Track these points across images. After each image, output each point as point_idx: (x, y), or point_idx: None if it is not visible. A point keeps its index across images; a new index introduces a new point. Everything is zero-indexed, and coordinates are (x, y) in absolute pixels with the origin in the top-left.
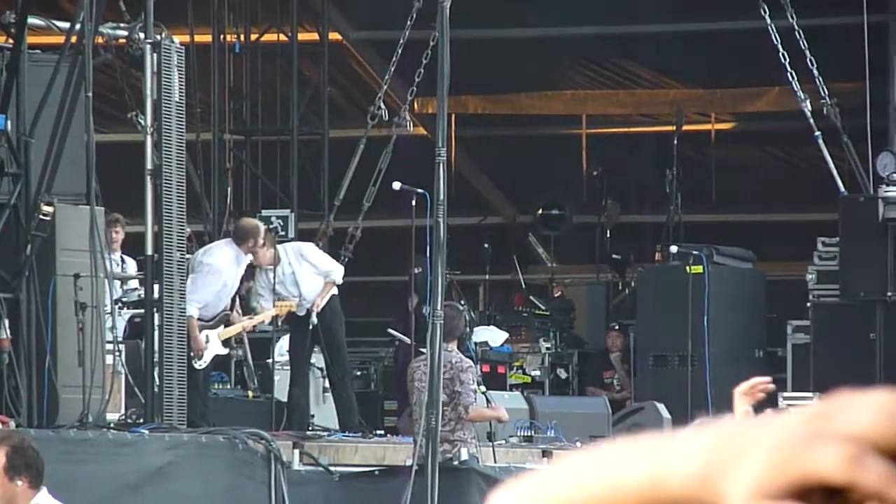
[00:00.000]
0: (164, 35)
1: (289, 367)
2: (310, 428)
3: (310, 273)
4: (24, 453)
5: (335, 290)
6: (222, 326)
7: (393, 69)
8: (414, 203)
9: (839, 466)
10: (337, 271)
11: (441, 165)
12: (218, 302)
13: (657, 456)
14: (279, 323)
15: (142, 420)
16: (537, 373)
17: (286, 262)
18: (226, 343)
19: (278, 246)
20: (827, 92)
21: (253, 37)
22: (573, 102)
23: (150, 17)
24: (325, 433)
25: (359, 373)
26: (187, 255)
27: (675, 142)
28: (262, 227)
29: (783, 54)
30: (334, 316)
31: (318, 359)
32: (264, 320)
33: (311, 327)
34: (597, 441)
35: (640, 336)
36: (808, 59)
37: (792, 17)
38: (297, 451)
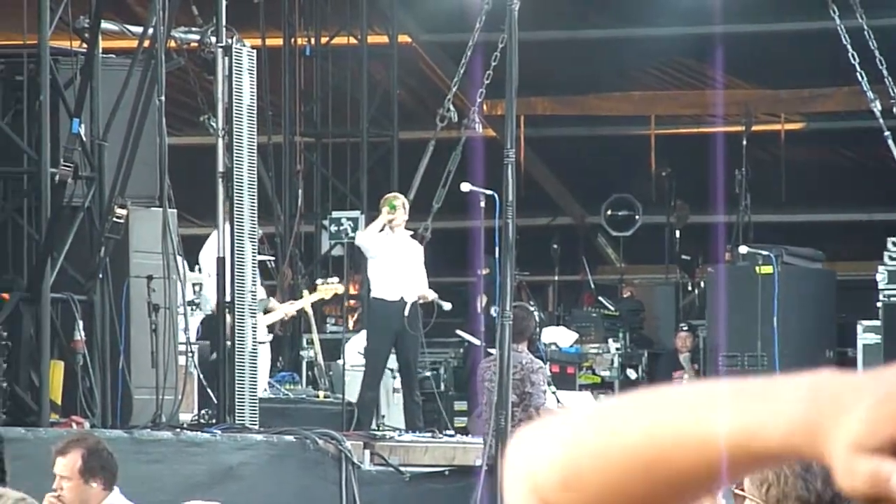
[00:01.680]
0: (235, 39)
1: (362, 368)
2: (380, 428)
3: (419, 266)
4: (99, 455)
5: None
6: (262, 313)
7: (462, 71)
8: (483, 204)
9: None
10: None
11: (510, 167)
12: None
13: (748, 407)
14: (351, 324)
15: (214, 420)
16: (607, 373)
17: (408, 244)
18: (270, 329)
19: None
20: None
21: (323, 40)
22: (642, 103)
23: (222, 21)
24: (396, 433)
25: (429, 373)
26: (259, 256)
27: (745, 142)
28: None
29: (853, 54)
30: (418, 320)
31: (389, 360)
32: (305, 306)
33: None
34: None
35: (709, 336)
36: (877, 59)
37: (861, 18)
38: (367, 452)
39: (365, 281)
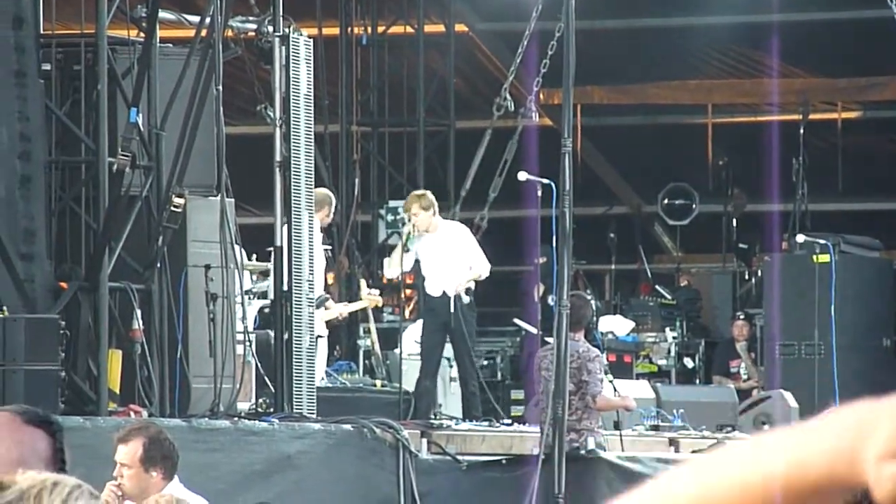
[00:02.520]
0: (292, 28)
1: (418, 357)
2: (437, 417)
3: (459, 256)
4: (160, 445)
5: (472, 285)
6: (323, 309)
7: (519, 60)
8: (540, 193)
9: None
10: (485, 266)
11: (567, 156)
12: None
13: (796, 447)
14: (407, 314)
15: (272, 409)
16: (663, 362)
17: (444, 237)
18: (327, 325)
19: (440, 220)
20: None
21: (380, 29)
22: (699, 92)
23: (279, 10)
24: (453, 422)
25: (486, 362)
26: (321, 246)
27: (802, 131)
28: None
29: None
30: (470, 310)
31: (444, 349)
32: (358, 309)
33: (452, 310)
34: (724, 430)
35: (766, 325)
36: None
37: None
38: (424, 440)
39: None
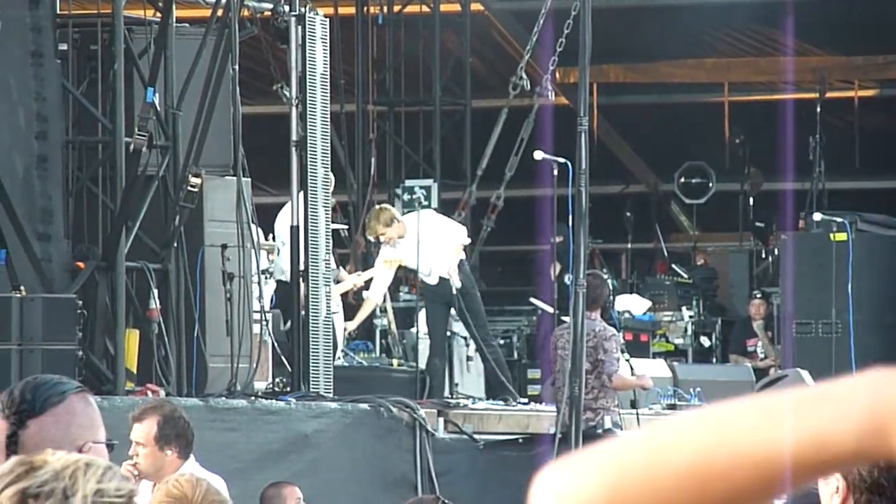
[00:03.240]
0: (308, 7)
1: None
2: (454, 396)
3: (440, 240)
4: (175, 423)
5: (462, 254)
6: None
7: (535, 39)
8: (556, 172)
9: None
10: (461, 233)
11: (583, 134)
12: None
13: (811, 416)
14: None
15: (289, 389)
16: (680, 341)
17: (419, 232)
18: (343, 298)
19: (403, 217)
20: None
21: (396, 8)
22: (715, 70)
23: None
24: (470, 401)
25: (502, 341)
26: (332, 225)
27: (818, 109)
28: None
29: None
30: (466, 278)
31: (460, 327)
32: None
33: (454, 292)
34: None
35: (783, 304)
36: None
37: None
38: (441, 419)
39: None
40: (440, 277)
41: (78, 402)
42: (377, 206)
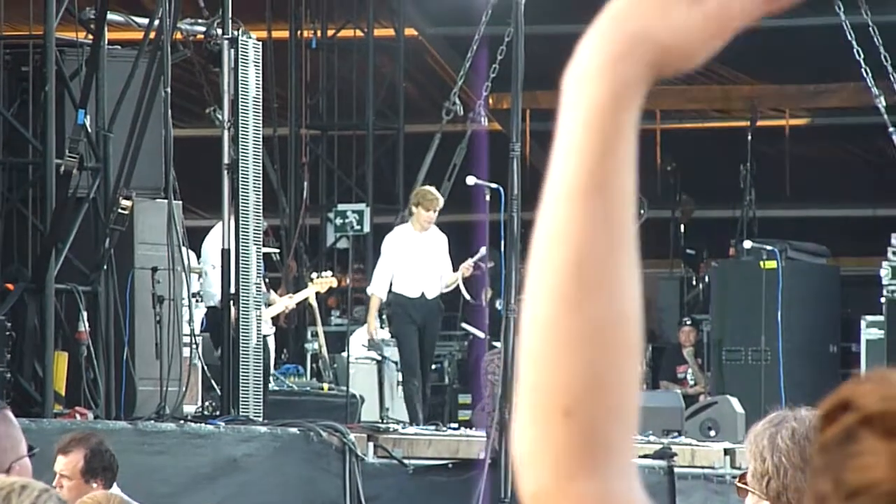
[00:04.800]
0: (241, 31)
1: (366, 360)
2: (384, 421)
3: (439, 261)
4: (102, 456)
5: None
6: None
7: (468, 65)
8: (488, 198)
9: None
10: (453, 275)
11: (515, 160)
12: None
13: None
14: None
15: (218, 412)
16: None
17: (432, 240)
18: (273, 322)
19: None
20: None
21: (329, 32)
22: (647, 97)
23: (228, 13)
24: (400, 425)
25: (434, 366)
26: (264, 249)
27: (750, 137)
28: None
29: (857, 50)
30: (439, 316)
31: (392, 352)
32: (307, 297)
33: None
34: (670, 435)
35: (713, 331)
36: (882, 56)
37: (867, 14)
38: (371, 444)
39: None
40: (422, 293)
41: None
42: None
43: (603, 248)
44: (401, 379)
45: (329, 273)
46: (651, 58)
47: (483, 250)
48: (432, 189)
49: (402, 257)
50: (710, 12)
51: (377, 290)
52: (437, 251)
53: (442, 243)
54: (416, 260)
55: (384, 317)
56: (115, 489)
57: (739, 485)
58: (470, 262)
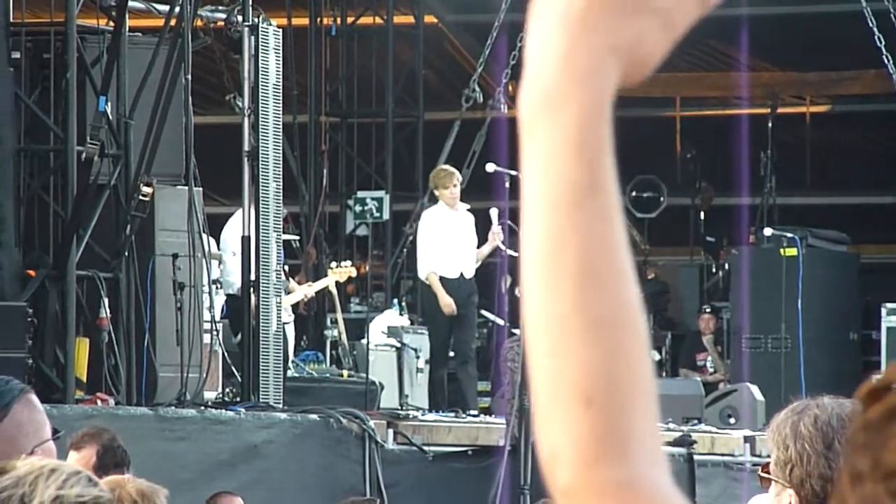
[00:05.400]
0: (261, 18)
1: (385, 347)
2: (403, 407)
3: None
4: (114, 452)
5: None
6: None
7: (488, 52)
8: (508, 185)
9: None
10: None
11: None
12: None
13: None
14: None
15: (238, 399)
16: None
17: (463, 218)
18: (293, 309)
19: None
20: None
21: (349, 20)
22: (667, 85)
23: (249, 0)
24: (419, 412)
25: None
26: (283, 236)
27: (770, 124)
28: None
29: (879, 37)
30: (475, 296)
31: (411, 339)
32: (327, 286)
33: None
34: (690, 422)
35: (733, 319)
36: None
37: (888, 1)
38: (391, 431)
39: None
40: (461, 274)
41: (22, 412)
42: (451, 169)
43: (606, 245)
44: (421, 367)
45: (348, 262)
46: (621, 69)
47: (495, 210)
48: (443, 166)
49: (440, 237)
50: (666, 17)
51: (432, 268)
52: (468, 229)
53: (470, 221)
54: (453, 239)
55: (404, 303)
56: None
57: (762, 474)
58: (496, 225)
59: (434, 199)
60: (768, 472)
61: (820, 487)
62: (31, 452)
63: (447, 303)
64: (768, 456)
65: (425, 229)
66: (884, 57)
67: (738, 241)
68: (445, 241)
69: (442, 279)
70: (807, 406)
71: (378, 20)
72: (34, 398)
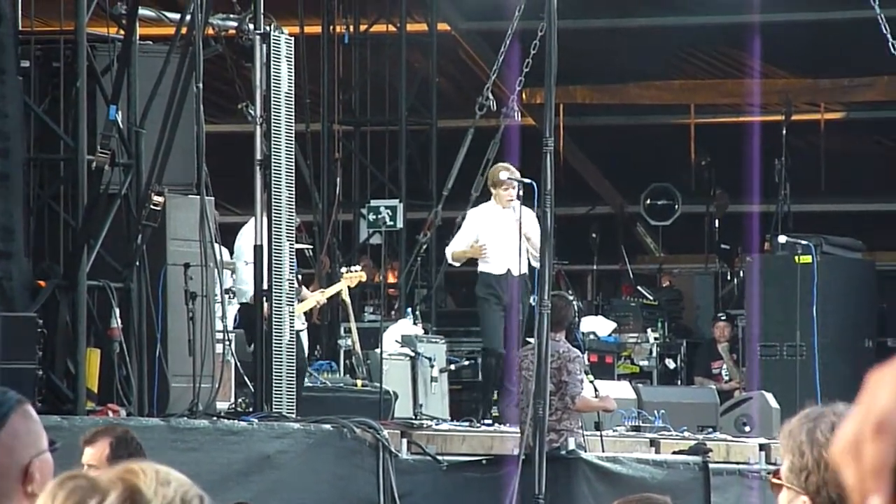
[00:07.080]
0: (273, 26)
1: (399, 357)
2: (417, 417)
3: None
4: (127, 444)
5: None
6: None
7: (501, 59)
8: (521, 193)
9: None
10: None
11: (549, 155)
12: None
13: None
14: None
15: (251, 409)
16: (645, 363)
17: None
18: (307, 318)
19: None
20: None
21: (362, 27)
22: (682, 92)
23: (260, 8)
24: (433, 422)
25: (467, 362)
26: (296, 245)
27: (784, 131)
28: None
29: (893, 44)
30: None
31: (425, 348)
32: (339, 292)
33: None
34: (705, 431)
35: (748, 326)
36: None
37: None
38: (405, 440)
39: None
40: (507, 270)
41: (19, 423)
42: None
43: None
44: (435, 375)
45: (358, 267)
46: None
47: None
48: (498, 164)
49: (484, 233)
50: None
51: (450, 247)
52: (525, 228)
53: (532, 218)
54: (498, 236)
55: (418, 312)
56: None
57: (774, 480)
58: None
59: (445, 208)
60: (780, 479)
61: (836, 495)
62: (29, 464)
63: (476, 248)
64: (781, 463)
65: (468, 221)
66: None
67: (753, 248)
68: (490, 237)
69: (488, 276)
70: (822, 413)
71: (391, 28)
72: (31, 409)
